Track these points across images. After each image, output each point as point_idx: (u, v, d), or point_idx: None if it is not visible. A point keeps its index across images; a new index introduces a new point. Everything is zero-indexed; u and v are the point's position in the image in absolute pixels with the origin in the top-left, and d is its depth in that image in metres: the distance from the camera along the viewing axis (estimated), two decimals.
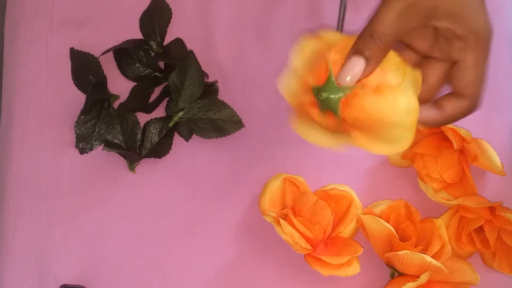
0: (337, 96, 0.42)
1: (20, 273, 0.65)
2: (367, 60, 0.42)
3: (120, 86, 0.69)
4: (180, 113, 0.66)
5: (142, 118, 0.68)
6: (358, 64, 0.42)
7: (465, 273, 0.60)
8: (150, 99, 0.69)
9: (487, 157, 0.59)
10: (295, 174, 0.65)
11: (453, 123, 0.59)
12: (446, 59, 0.44)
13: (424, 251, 0.57)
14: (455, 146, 0.59)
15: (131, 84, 0.69)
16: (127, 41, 0.69)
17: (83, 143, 0.67)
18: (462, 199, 0.59)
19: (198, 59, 0.66)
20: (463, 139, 0.60)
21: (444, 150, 0.61)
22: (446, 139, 0.61)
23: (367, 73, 0.42)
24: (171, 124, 0.67)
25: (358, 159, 0.66)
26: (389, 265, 0.61)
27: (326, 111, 0.43)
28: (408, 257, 0.56)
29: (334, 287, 0.63)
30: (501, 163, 0.59)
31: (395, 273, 0.61)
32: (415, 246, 0.59)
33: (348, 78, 0.42)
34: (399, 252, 0.56)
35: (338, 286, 0.63)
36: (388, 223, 0.59)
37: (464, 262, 0.60)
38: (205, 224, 0.66)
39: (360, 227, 0.63)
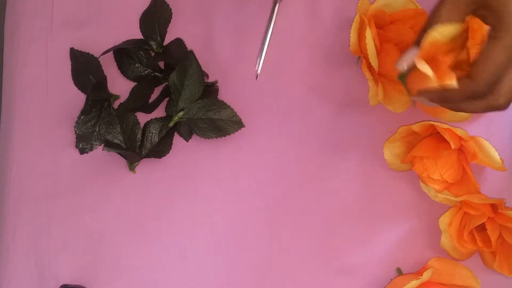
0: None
1: (20, 273, 0.65)
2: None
3: (120, 86, 0.69)
4: (180, 113, 0.66)
5: (142, 118, 0.68)
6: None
7: (467, 276, 0.60)
8: (150, 99, 0.69)
9: (486, 153, 0.59)
10: (294, 174, 0.65)
11: (451, 123, 0.60)
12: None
13: None
14: (453, 146, 0.59)
15: (131, 84, 0.69)
16: (127, 41, 0.69)
17: (83, 143, 0.67)
18: (465, 197, 0.59)
19: (198, 59, 0.66)
20: (460, 138, 0.60)
21: (442, 151, 0.60)
22: (443, 140, 0.61)
23: None
24: (171, 124, 0.67)
25: (358, 162, 0.66)
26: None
27: None
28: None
29: (335, 287, 0.64)
30: (500, 158, 0.59)
31: (400, 271, 0.61)
32: None
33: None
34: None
35: (339, 286, 0.63)
36: None
37: (465, 268, 0.61)
38: (205, 224, 0.66)
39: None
